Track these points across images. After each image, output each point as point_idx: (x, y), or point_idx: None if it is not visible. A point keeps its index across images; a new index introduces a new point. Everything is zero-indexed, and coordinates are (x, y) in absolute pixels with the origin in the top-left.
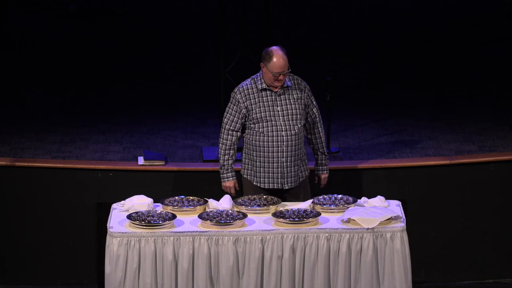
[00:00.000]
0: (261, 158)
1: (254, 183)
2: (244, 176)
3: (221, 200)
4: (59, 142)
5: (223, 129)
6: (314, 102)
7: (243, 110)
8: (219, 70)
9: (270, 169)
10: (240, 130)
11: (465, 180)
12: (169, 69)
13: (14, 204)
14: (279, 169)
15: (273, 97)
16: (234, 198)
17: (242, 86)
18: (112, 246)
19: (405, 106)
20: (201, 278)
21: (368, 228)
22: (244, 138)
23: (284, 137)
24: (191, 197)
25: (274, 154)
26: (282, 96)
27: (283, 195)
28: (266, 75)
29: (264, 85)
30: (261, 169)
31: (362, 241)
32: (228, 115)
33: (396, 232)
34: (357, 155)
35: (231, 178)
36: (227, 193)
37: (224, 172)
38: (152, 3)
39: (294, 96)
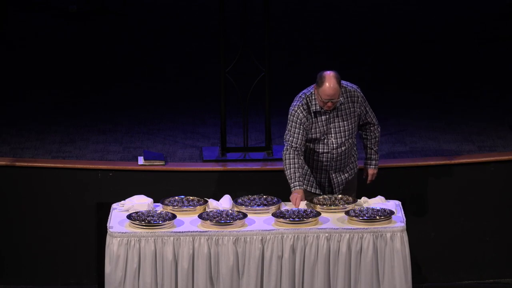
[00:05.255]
0: (311, 168)
1: (304, 185)
2: None
3: (221, 200)
4: (59, 142)
5: (289, 148)
6: (368, 108)
7: (307, 129)
8: (219, 70)
9: (317, 177)
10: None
11: (465, 180)
12: (169, 69)
13: (14, 204)
14: (327, 179)
15: (326, 116)
16: (233, 198)
17: (301, 106)
18: (112, 246)
19: (405, 106)
20: (201, 278)
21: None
22: None
23: (334, 155)
24: (191, 197)
25: (323, 167)
26: (335, 113)
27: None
28: (317, 98)
29: (317, 108)
30: (310, 173)
31: (362, 241)
32: (292, 133)
33: (396, 232)
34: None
35: (298, 187)
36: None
37: (292, 181)
38: (152, 3)
39: (347, 111)
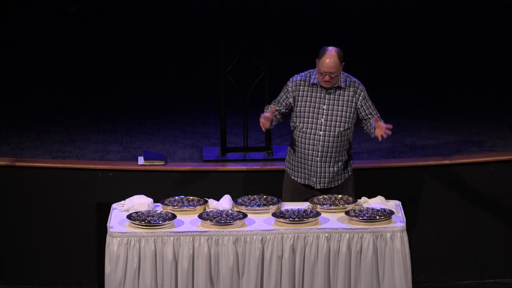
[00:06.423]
0: (298, 154)
1: (292, 176)
2: (286, 168)
3: (221, 200)
4: (59, 142)
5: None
6: (370, 103)
7: (290, 99)
8: (219, 70)
9: (305, 165)
10: (282, 113)
11: (465, 180)
12: (169, 69)
13: (14, 204)
14: (313, 168)
15: (322, 94)
16: (233, 198)
17: (297, 77)
18: (112, 246)
19: (405, 106)
20: (201, 278)
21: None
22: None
23: (321, 137)
24: (191, 197)
25: (309, 152)
26: (331, 96)
27: (320, 194)
28: (317, 71)
29: (315, 81)
30: (298, 164)
31: (362, 241)
32: (277, 98)
33: (396, 232)
34: (357, 155)
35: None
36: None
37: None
38: (152, 3)
39: (345, 97)
